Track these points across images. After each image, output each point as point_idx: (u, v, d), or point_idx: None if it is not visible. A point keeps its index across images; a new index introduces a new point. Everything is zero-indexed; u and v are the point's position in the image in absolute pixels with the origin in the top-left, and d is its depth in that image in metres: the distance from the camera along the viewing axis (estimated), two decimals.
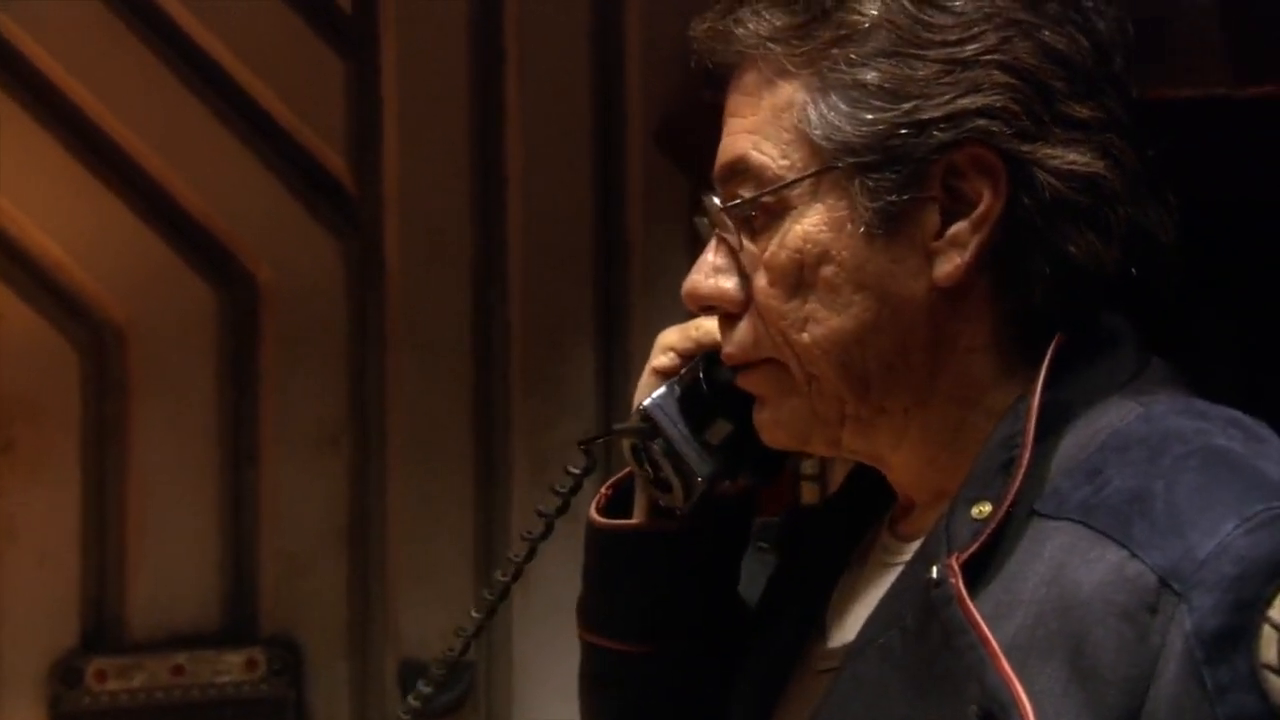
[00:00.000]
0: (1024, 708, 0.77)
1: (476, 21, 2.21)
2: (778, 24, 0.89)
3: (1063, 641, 0.79)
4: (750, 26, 0.90)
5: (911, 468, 0.92)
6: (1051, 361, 0.86)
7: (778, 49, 0.89)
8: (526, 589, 2.19)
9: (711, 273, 0.93)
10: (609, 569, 1.04)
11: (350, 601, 2.18)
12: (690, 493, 0.98)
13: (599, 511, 1.04)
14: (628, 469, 1.03)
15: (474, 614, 1.06)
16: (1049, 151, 0.87)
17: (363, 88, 2.19)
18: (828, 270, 0.89)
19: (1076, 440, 0.86)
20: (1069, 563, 0.80)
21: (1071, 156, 0.87)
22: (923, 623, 0.83)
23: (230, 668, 2.11)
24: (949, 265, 0.88)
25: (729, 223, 0.91)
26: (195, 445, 2.14)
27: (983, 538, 0.83)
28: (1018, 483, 0.83)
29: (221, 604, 2.14)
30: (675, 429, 0.98)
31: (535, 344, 2.22)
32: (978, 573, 0.82)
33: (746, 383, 0.94)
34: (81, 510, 2.10)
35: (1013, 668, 0.78)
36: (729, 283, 0.92)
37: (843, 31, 0.88)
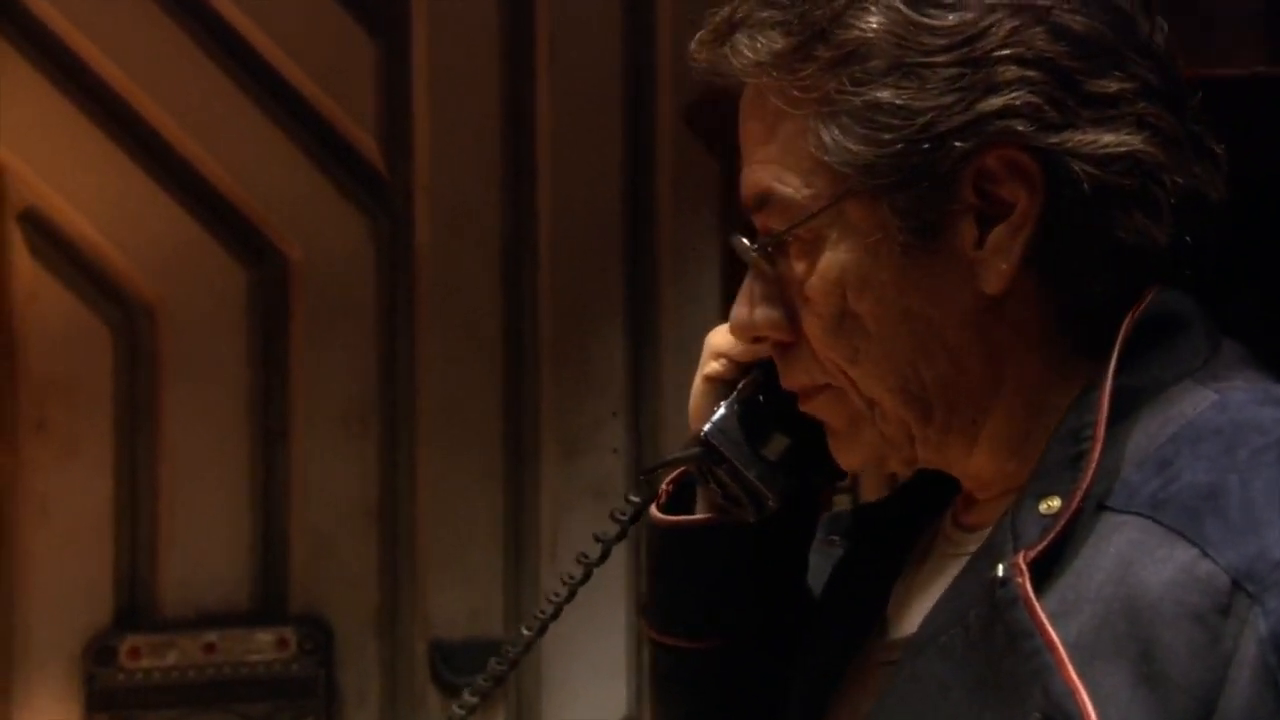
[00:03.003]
0: (1089, 718, 0.74)
1: (507, 1, 2.21)
2: (776, 48, 0.85)
3: (1130, 644, 0.75)
4: (748, 55, 0.86)
5: (985, 471, 0.88)
6: (1122, 349, 0.82)
7: (779, 75, 0.85)
8: (555, 568, 2.20)
9: (757, 304, 0.89)
10: (673, 565, 1.01)
11: (380, 581, 2.18)
12: (761, 511, 0.96)
13: (660, 509, 1.01)
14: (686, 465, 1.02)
15: (525, 630, 1.05)
16: (1081, 138, 0.82)
17: (393, 67, 2.18)
18: (870, 297, 0.85)
19: (1147, 430, 0.81)
20: (1137, 560, 0.77)
21: (1106, 138, 0.82)
22: (987, 622, 0.79)
23: (261, 646, 2.12)
24: (994, 273, 0.83)
25: (764, 261, 0.88)
26: (226, 424, 2.15)
27: (1052, 535, 0.79)
28: (1089, 476, 0.79)
29: (252, 583, 2.15)
30: (737, 452, 0.95)
31: (564, 324, 2.22)
32: (1044, 570, 0.78)
33: (810, 409, 0.91)
34: (114, 489, 2.11)
35: (1077, 669, 0.75)
36: (775, 313, 0.89)
37: (844, 50, 0.83)
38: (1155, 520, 0.77)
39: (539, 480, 2.21)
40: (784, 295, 0.89)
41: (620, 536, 1.02)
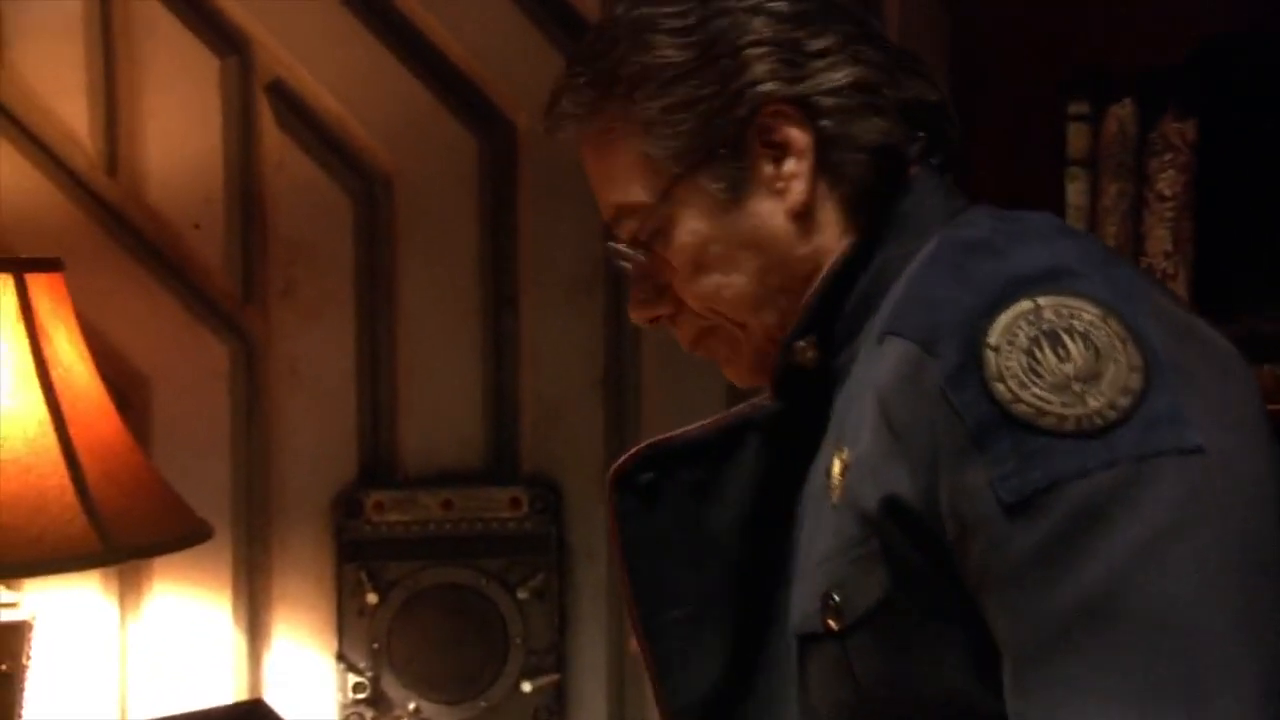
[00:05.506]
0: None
1: None
2: (586, 99, 1.20)
3: (876, 414, 1.05)
4: (572, 112, 1.21)
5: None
6: (868, 224, 1.18)
7: (598, 118, 1.21)
8: None
9: (644, 296, 1.24)
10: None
11: (606, 444, 2.21)
12: None
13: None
14: None
15: None
16: (815, 82, 1.17)
17: None
18: (715, 248, 1.18)
19: (908, 274, 1.12)
20: (878, 363, 1.08)
21: (831, 76, 1.17)
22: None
23: (496, 504, 2.19)
24: (794, 193, 1.17)
25: (637, 255, 1.21)
26: (458, 290, 2.20)
27: (842, 359, 1.18)
28: (871, 321, 1.15)
29: (485, 445, 2.21)
30: None
31: None
32: (841, 382, 1.17)
33: (701, 352, 1.26)
34: (355, 352, 2.20)
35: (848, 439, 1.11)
36: (657, 296, 1.23)
37: (632, 82, 1.18)
38: (889, 332, 1.08)
39: None
40: (657, 281, 1.23)
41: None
